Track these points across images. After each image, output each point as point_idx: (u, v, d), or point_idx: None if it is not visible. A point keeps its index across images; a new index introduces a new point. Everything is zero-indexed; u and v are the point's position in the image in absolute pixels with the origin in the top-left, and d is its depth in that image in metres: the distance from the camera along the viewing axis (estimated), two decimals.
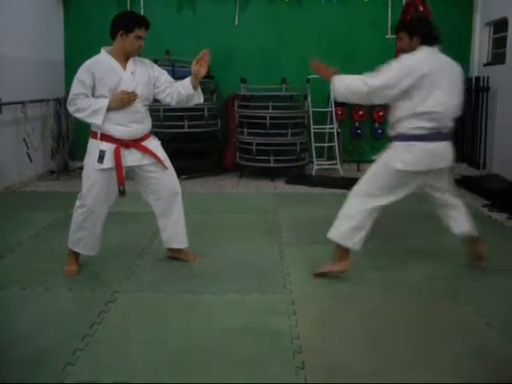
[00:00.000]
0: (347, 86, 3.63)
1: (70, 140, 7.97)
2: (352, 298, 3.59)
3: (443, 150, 3.68)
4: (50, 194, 6.63)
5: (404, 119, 3.59)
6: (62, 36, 8.28)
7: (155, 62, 7.15)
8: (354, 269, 4.06)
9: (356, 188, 3.82)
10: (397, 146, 3.66)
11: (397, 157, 3.63)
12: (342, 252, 3.85)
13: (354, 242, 3.78)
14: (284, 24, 8.29)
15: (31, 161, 7.03)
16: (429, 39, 3.63)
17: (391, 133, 3.74)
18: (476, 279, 3.88)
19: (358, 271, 4.02)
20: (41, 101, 7.34)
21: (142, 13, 7.93)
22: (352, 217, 3.76)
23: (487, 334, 3.09)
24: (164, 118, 7.51)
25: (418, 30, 3.63)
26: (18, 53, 6.89)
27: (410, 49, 3.65)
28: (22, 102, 6.84)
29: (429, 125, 3.56)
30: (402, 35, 3.69)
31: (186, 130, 7.62)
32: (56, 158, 7.82)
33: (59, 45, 8.22)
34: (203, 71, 3.76)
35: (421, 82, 3.50)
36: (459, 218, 3.97)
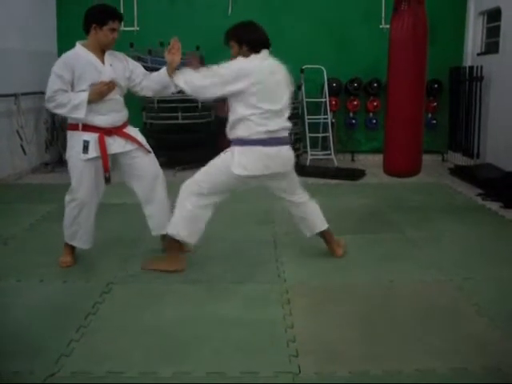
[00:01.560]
0: (185, 78, 3.64)
1: (64, 132, 7.91)
2: (345, 286, 3.61)
3: (282, 155, 3.69)
4: (45, 187, 6.62)
5: (241, 122, 3.60)
6: (55, 27, 8.23)
7: (149, 52, 7.23)
8: (346, 258, 4.09)
9: (190, 186, 3.77)
10: (237, 151, 3.64)
11: (237, 162, 3.62)
12: (177, 249, 3.86)
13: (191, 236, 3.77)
14: (277, 14, 8.26)
15: (25, 153, 7.01)
16: (256, 46, 3.64)
17: (230, 136, 3.72)
18: (469, 267, 3.90)
19: (350, 260, 4.05)
20: (34, 93, 7.31)
21: (135, 4, 7.92)
22: (189, 216, 3.73)
23: (478, 321, 3.12)
24: (158, 109, 7.48)
25: (245, 38, 3.63)
26: (11, 44, 6.86)
27: (240, 56, 3.65)
28: (15, 95, 6.82)
29: (266, 128, 3.57)
30: (232, 44, 3.70)
31: (180, 121, 7.60)
32: (50, 150, 7.79)
33: (52, 36, 8.17)
34: (176, 59, 3.77)
35: (252, 88, 3.51)
36: (310, 218, 4.01)
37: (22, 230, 4.80)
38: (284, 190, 3.90)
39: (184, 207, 3.73)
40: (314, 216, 4.02)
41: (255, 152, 3.60)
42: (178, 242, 3.80)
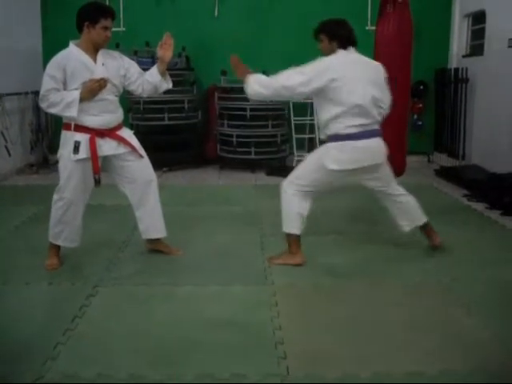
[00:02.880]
0: (261, 82, 3.72)
1: (49, 133, 7.89)
2: (333, 288, 3.61)
3: (375, 147, 3.79)
4: (30, 188, 6.56)
5: (333, 120, 3.69)
6: (39, 26, 8.16)
7: (135, 53, 7.20)
8: (334, 259, 4.09)
9: (288, 186, 3.89)
10: (329, 147, 3.75)
11: (330, 157, 3.71)
12: (296, 243, 3.94)
13: (297, 226, 3.90)
14: (264, 15, 8.26)
15: (9, 155, 6.93)
16: (346, 43, 3.75)
17: (322, 136, 3.89)
18: (456, 268, 3.92)
19: (338, 262, 4.05)
20: (19, 93, 7.25)
21: (121, 4, 7.87)
22: (295, 213, 3.87)
23: (467, 322, 3.13)
24: (144, 110, 7.45)
25: (337, 33, 3.76)
26: None
27: (329, 50, 3.77)
28: None
29: (358, 122, 3.67)
30: (322, 37, 3.80)
31: (166, 122, 7.57)
32: (35, 151, 7.73)
33: (37, 35, 8.10)
34: (168, 54, 3.78)
35: (337, 83, 3.60)
36: (409, 212, 4.10)
37: (7, 232, 4.74)
38: (380, 180, 3.97)
39: (288, 206, 3.88)
40: (412, 209, 4.09)
41: (347, 146, 3.69)
42: (294, 235, 3.92)
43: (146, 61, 6.86)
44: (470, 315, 3.19)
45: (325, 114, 3.73)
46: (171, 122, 7.61)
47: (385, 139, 5.00)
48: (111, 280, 3.71)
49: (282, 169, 7.77)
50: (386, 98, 3.88)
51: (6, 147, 6.87)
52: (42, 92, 3.63)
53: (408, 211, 4.10)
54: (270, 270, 3.88)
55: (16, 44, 7.37)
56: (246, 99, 7.47)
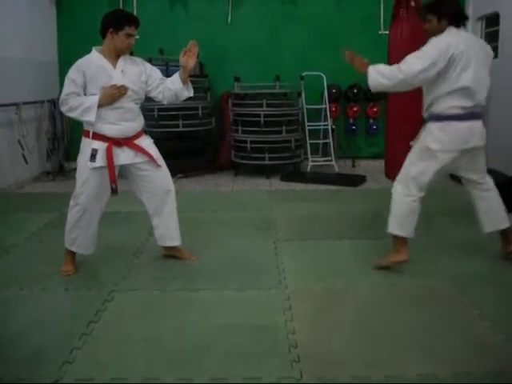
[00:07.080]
0: (383, 73, 3.66)
1: (65, 141, 7.97)
2: (346, 292, 3.62)
3: (477, 128, 3.74)
4: (46, 195, 6.64)
5: (439, 99, 3.66)
6: (55, 36, 8.27)
7: (149, 61, 7.22)
8: (347, 264, 4.09)
9: (399, 183, 3.86)
10: (431, 127, 3.72)
11: (432, 137, 3.69)
12: (401, 242, 3.90)
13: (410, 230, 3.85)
14: (277, 21, 8.30)
15: (26, 162, 7.03)
16: (456, 20, 3.68)
17: (425, 114, 3.81)
18: (469, 272, 3.90)
19: (351, 266, 4.05)
20: (35, 102, 7.35)
21: (134, 12, 7.94)
22: (402, 212, 3.84)
23: (480, 325, 3.12)
24: (158, 117, 7.51)
25: (446, 11, 3.67)
26: (11, 54, 6.89)
27: (438, 30, 3.69)
28: (16, 104, 6.84)
29: (463, 103, 3.64)
30: (431, 17, 3.71)
31: (180, 128, 7.62)
32: (51, 159, 7.82)
33: (52, 45, 8.21)
34: (191, 62, 3.78)
35: (454, 62, 3.56)
36: (495, 211, 3.99)
37: (24, 239, 4.80)
38: (475, 169, 3.91)
39: (397, 204, 3.84)
40: (498, 209, 4.00)
41: (450, 127, 3.66)
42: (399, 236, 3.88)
43: (161, 68, 6.91)
44: (483, 319, 3.18)
45: (432, 91, 3.68)
46: (185, 129, 7.66)
47: (401, 143, 5.03)
48: (126, 285, 3.75)
49: (297, 174, 7.80)
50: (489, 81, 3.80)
51: (23, 155, 6.96)
52: (62, 95, 3.69)
53: (493, 210, 3.98)
54: (283, 274, 3.89)
55: (32, 54, 7.49)
56: (260, 105, 7.55)
